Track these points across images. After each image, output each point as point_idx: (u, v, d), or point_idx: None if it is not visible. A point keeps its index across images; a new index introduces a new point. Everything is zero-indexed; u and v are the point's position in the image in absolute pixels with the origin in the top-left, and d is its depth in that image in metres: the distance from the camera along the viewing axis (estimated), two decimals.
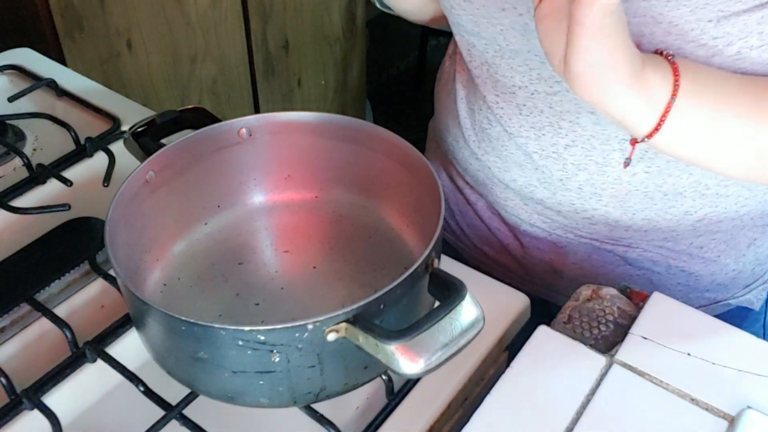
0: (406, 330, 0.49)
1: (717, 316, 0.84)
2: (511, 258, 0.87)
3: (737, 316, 0.85)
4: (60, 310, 0.67)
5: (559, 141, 0.72)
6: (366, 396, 0.63)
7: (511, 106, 0.74)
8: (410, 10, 0.88)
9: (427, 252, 0.55)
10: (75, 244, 0.73)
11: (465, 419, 0.58)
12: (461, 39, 0.77)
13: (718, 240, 0.78)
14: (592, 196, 0.74)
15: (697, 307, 0.83)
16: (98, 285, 0.70)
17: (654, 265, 0.80)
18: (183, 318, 0.52)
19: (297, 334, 0.51)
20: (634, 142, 0.62)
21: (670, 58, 0.59)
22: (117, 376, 0.61)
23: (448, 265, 0.71)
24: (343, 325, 0.51)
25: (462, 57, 0.79)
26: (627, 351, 0.62)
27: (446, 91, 0.85)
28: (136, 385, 0.60)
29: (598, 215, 0.76)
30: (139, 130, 0.70)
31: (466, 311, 0.51)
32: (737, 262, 0.80)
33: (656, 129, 0.59)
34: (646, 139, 0.60)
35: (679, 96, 0.58)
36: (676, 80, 0.58)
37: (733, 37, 0.60)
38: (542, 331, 0.64)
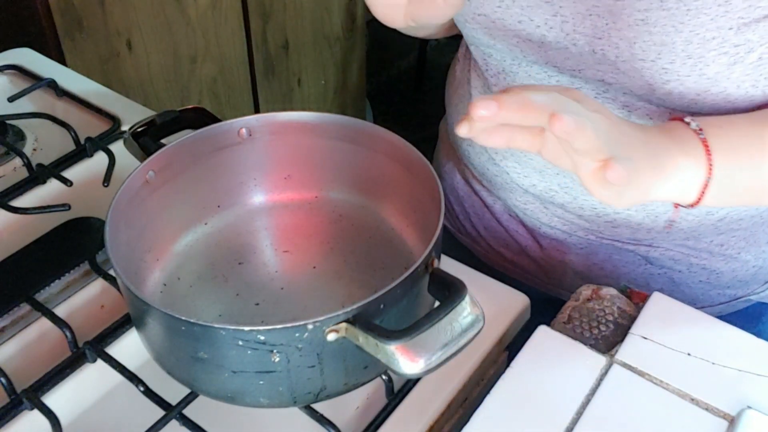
0: (406, 330, 0.49)
1: (737, 313, 0.85)
2: (529, 260, 0.87)
3: (757, 312, 0.86)
4: (60, 310, 0.67)
5: None
6: (366, 396, 0.63)
7: None
8: (421, 34, 0.86)
9: (427, 252, 0.55)
10: (75, 244, 0.73)
11: (465, 419, 0.58)
12: (476, 50, 0.77)
13: (738, 237, 0.78)
14: None
15: (717, 304, 0.84)
16: (98, 285, 0.70)
17: (675, 263, 0.80)
18: (183, 318, 0.52)
19: (297, 334, 0.51)
20: (677, 205, 0.63)
21: (700, 134, 0.59)
22: (117, 376, 0.61)
23: (448, 265, 0.71)
24: (343, 325, 0.51)
25: (477, 64, 0.79)
26: (627, 351, 0.62)
27: (458, 96, 0.85)
28: (136, 385, 0.60)
29: (621, 219, 0.76)
30: (139, 130, 0.70)
31: (466, 311, 0.51)
32: (757, 258, 0.81)
33: (698, 201, 0.60)
34: (690, 207, 0.61)
35: (715, 172, 0.59)
36: (709, 159, 0.59)
37: (754, 43, 0.61)
38: (542, 331, 0.64)
